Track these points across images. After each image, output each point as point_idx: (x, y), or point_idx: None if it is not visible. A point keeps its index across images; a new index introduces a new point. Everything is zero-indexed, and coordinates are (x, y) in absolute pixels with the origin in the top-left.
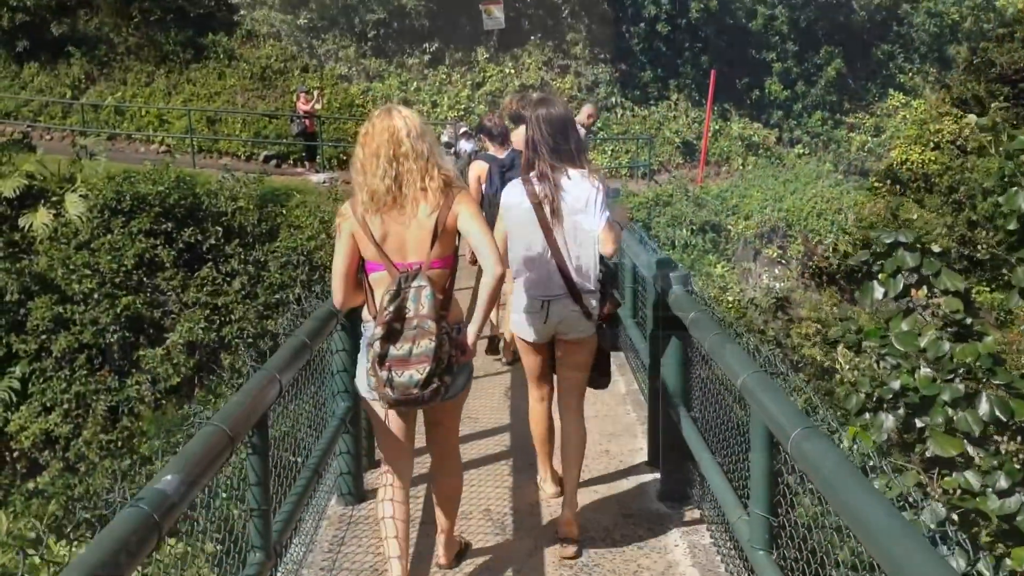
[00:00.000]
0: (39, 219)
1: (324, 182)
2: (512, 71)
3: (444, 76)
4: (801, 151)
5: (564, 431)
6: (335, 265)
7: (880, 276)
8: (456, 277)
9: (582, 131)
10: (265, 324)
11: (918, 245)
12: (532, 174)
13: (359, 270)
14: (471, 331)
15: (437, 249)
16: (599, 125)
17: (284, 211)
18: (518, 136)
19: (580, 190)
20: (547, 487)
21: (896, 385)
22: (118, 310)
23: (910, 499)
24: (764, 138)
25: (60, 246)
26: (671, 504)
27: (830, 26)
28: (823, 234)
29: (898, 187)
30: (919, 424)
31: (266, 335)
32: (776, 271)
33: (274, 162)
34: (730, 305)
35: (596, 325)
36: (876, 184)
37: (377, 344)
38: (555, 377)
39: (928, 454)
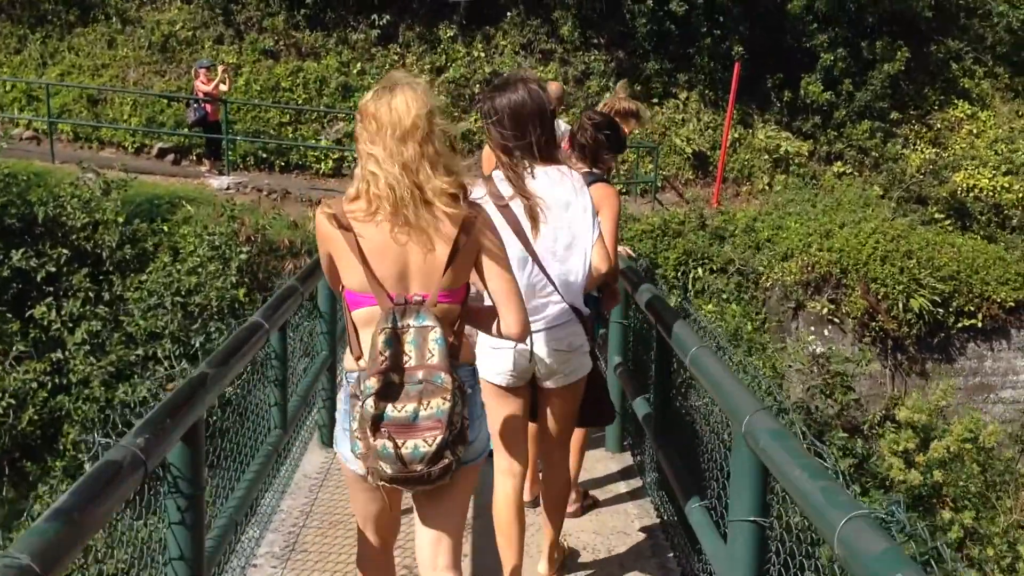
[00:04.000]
0: None
1: (228, 188)
2: (482, 54)
3: (396, 57)
4: (842, 169)
5: (547, 478)
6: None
7: None
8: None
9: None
10: (115, 393)
11: None
12: (495, 171)
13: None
14: None
15: (448, 278)
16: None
17: (166, 228)
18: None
19: (556, 190)
20: None
21: None
22: None
23: None
24: (796, 151)
25: None
26: None
27: (887, 14)
28: (889, 285)
29: (964, 220)
30: None
31: (119, 407)
32: (826, 331)
33: (171, 157)
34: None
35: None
36: (936, 215)
37: (370, 402)
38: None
39: None
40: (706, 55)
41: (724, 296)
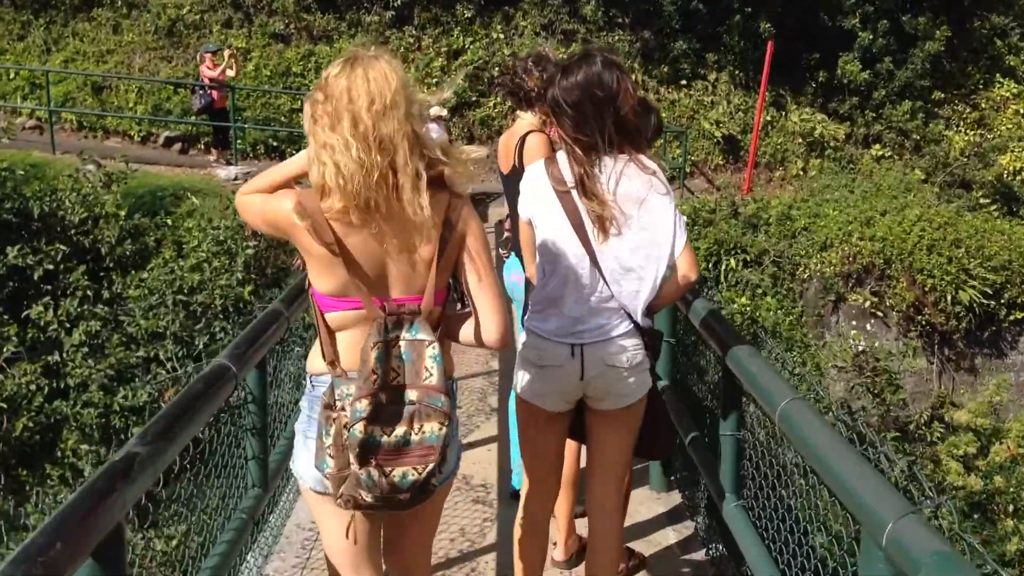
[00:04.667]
0: None
1: (235, 179)
2: (501, 36)
3: (411, 40)
4: (881, 152)
5: (596, 531)
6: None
7: None
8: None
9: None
10: (113, 399)
11: None
12: (560, 152)
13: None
14: None
15: (434, 279)
16: None
17: (169, 222)
18: (523, 126)
19: (628, 184)
20: None
21: None
22: None
23: None
24: (832, 134)
25: None
26: None
27: None
28: (937, 276)
29: (1011, 205)
30: None
31: (117, 412)
32: (869, 326)
33: (178, 146)
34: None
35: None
36: (982, 200)
37: (359, 428)
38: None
39: None
40: (736, 34)
41: (760, 290)
